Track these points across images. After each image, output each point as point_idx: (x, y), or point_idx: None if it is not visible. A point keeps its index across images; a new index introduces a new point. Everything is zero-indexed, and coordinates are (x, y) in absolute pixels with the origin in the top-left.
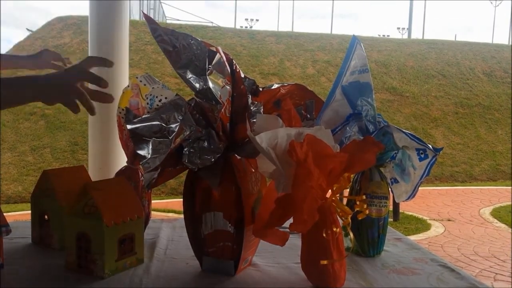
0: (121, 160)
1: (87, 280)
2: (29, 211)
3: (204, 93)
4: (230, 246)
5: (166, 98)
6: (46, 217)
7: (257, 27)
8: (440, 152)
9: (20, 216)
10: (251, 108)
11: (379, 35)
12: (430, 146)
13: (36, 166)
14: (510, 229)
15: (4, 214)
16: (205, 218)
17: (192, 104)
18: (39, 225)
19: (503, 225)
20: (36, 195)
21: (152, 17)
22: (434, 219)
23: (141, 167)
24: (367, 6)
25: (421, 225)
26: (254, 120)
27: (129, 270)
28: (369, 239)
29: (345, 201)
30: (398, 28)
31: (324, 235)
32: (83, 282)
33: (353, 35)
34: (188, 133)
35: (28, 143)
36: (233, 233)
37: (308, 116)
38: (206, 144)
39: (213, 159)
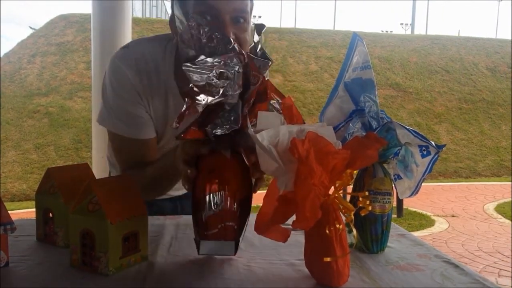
0: None
1: (91, 277)
2: (34, 209)
3: (254, 51)
4: (232, 226)
5: None
6: (50, 214)
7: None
8: (443, 149)
9: (25, 214)
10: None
11: (382, 31)
12: (433, 143)
13: (40, 164)
14: None
15: (9, 212)
16: (209, 199)
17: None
18: (44, 222)
19: (507, 221)
20: (40, 193)
21: (154, 15)
22: (438, 215)
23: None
24: (371, 1)
25: (425, 221)
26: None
27: (133, 267)
28: (372, 235)
29: (348, 197)
30: (401, 24)
31: (327, 232)
32: (88, 279)
33: (354, 32)
34: (229, 97)
35: (32, 141)
36: (237, 212)
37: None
38: (231, 114)
39: (230, 131)
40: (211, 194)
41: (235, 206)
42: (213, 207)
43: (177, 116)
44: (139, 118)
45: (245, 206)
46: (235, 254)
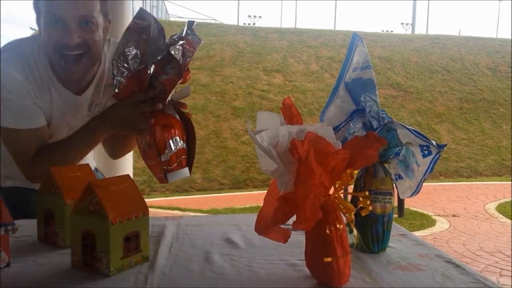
0: (125, 157)
1: (92, 278)
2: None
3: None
4: (184, 158)
5: None
6: (51, 215)
7: (260, 23)
8: (444, 148)
9: None
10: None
11: (382, 31)
12: (434, 143)
13: None
14: None
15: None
16: (169, 144)
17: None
18: (45, 223)
19: (508, 220)
20: (41, 193)
21: (155, 15)
22: (439, 215)
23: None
24: (371, 1)
25: (426, 221)
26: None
27: (134, 268)
28: (373, 235)
29: (349, 197)
30: (402, 23)
31: (328, 232)
32: (89, 280)
33: (354, 32)
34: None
35: None
36: (185, 148)
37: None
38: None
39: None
40: (170, 140)
41: (184, 145)
42: (172, 149)
43: (122, 88)
44: (36, 111)
45: (189, 142)
46: (190, 175)
